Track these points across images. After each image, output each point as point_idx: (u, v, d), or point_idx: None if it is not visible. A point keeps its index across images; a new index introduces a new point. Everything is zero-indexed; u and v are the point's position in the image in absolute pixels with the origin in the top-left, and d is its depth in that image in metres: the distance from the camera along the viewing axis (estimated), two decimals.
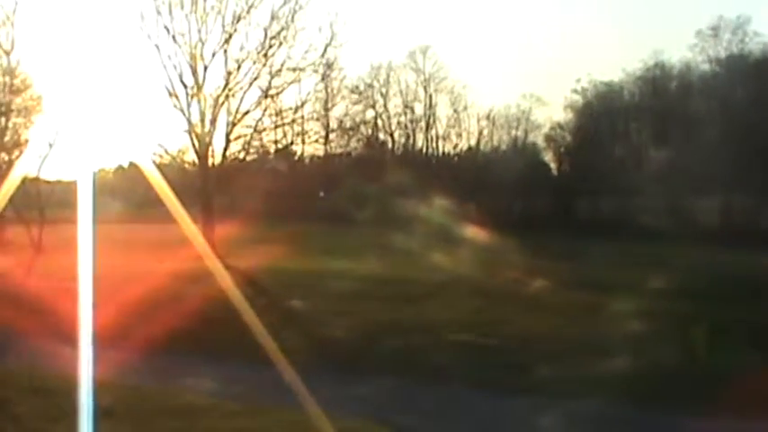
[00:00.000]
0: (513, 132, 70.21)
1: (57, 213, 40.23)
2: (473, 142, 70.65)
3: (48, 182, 40.79)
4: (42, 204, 36.76)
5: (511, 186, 59.03)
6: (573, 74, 76.18)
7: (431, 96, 68.92)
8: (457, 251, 33.49)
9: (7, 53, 36.27)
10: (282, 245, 33.32)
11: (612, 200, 56.74)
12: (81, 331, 14.69)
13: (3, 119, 36.79)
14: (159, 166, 38.80)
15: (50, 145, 36.68)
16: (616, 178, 53.26)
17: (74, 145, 38.37)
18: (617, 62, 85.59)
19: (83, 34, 34.94)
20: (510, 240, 33.95)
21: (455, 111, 68.99)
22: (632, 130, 64.95)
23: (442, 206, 44.70)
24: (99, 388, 11.60)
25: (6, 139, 37.58)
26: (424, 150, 70.05)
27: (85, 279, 19.95)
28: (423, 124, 69.42)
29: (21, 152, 38.63)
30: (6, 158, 38.38)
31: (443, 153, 70.95)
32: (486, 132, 70.05)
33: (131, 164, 46.16)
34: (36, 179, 37.91)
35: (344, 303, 19.45)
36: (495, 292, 22.06)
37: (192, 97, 37.54)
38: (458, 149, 71.11)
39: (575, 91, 64.98)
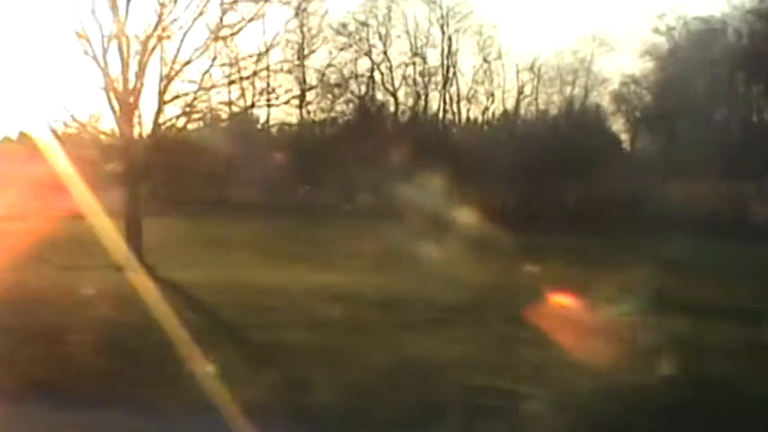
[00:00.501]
0: (568, 90, 70.25)
1: None
2: (510, 105, 70.64)
3: None
4: None
5: (563, 167, 58.63)
6: (653, 7, 76.17)
7: (450, 39, 68.88)
8: (484, 259, 33.22)
9: None
10: (238, 248, 32.90)
11: (716, 185, 56.01)
12: None
13: None
14: (62, 138, 38.43)
15: None
16: (719, 153, 52.69)
17: None
18: None
19: None
20: (558, 242, 33.66)
21: (484, 60, 69.13)
22: (739, 83, 64.49)
23: (461, 196, 44.41)
24: None
25: None
26: (440, 116, 69.84)
27: None
28: (439, 79, 69.35)
29: None
30: None
31: (467, 120, 70.82)
32: (528, 90, 70.06)
33: (21, 134, 45.74)
34: None
35: (325, 335, 19.05)
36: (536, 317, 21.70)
37: (109, 40, 36.83)
38: (488, 114, 71.00)
39: (656, 31, 64.79)
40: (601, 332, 19.26)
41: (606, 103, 70.50)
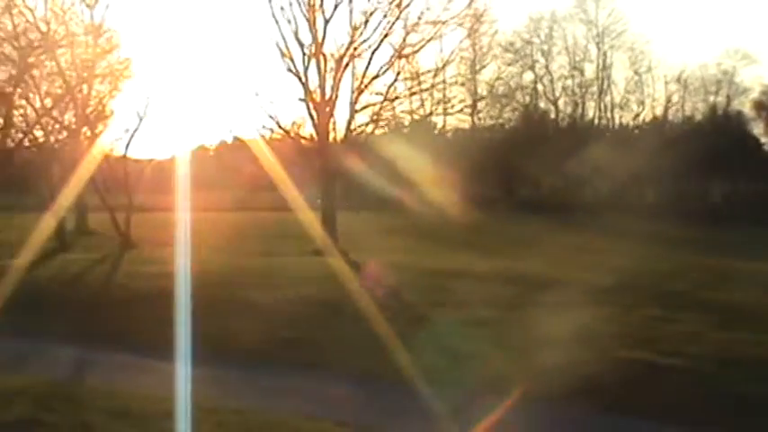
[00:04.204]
0: (712, 99, 68.78)
1: (147, 199, 41.45)
2: (658, 111, 69.46)
3: (137, 161, 41.60)
4: (130, 188, 37.34)
5: (707, 167, 57.39)
6: None
7: (605, 54, 68.27)
8: (634, 247, 32.86)
9: (90, 7, 37.39)
10: (420, 236, 33.19)
11: None
12: (177, 342, 14.96)
13: (84, 86, 37.61)
14: (270, 143, 39.31)
15: (140, 117, 37.43)
16: None
17: (168, 117, 39.40)
18: None
19: None
20: (699, 232, 33.00)
21: (635, 72, 68.22)
22: None
23: (615, 192, 43.86)
24: (198, 413, 11.71)
25: (89, 110, 38.39)
26: (596, 121, 69.10)
27: (182, 278, 20.52)
28: (594, 89, 68.75)
29: (105, 126, 39.51)
30: (89, 133, 39.29)
31: (620, 125, 69.88)
32: (675, 99, 68.88)
33: (236, 140, 46.80)
34: (123, 158, 38.70)
35: (492, 312, 19.12)
36: (683, 298, 21.34)
37: (309, 58, 37.65)
38: (639, 120, 69.95)
39: None
40: None
41: (747, 110, 68.75)
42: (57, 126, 39.92)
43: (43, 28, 36.30)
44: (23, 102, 38.62)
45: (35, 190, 41.12)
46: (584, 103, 69.24)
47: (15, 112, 38.50)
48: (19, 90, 37.03)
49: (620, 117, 69.79)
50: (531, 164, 52.45)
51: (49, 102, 38.56)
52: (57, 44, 36.42)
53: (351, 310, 18.79)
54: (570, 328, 16.41)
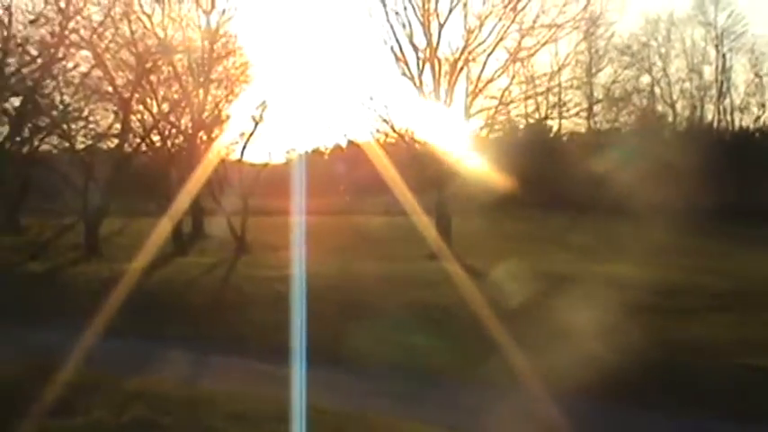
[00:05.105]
0: None
1: (263, 202, 41.80)
2: None
3: (252, 165, 41.97)
4: (246, 192, 37.68)
5: None
6: None
7: (724, 57, 66.70)
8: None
9: (206, 12, 37.83)
10: (533, 241, 32.85)
11: None
12: (292, 345, 14.95)
13: (201, 90, 38.07)
14: (384, 146, 39.33)
15: (256, 121, 37.79)
16: None
17: (284, 121, 39.69)
18: None
19: None
20: None
21: (756, 75, 66.50)
22: None
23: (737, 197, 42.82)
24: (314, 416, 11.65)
25: (205, 114, 38.83)
26: (715, 125, 67.64)
27: (298, 282, 20.57)
28: (713, 92, 67.36)
29: (221, 130, 39.93)
30: (204, 138, 39.82)
31: (740, 128, 68.26)
32: None
33: (350, 143, 46.99)
34: (239, 162, 39.15)
35: (610, 317, 18.80)
36: None
37: (424, 62, 37.65)
38: (759, 123, 68.26)
39: None
40: None
41: None
42: (173, 131, 40.56)
43: (160, 34, 36.99)
44: (141, 107, 39.27)
45: (152, 194, 41.76)
46: (702, 107, 67.79)
47: (133, 118, 39.18)
48: (136, 95, 37.66)
49: (741, 120, 68.19)
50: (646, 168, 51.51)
51: (165, 107, 39.21)
52: (174, 50, 37.01)
53: (466, 314, 18.63)
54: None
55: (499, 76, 39.34)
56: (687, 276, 25.41)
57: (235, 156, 39.93)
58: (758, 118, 67.46)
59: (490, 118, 42.07)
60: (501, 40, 37.97)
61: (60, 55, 36.01)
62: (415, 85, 37.65)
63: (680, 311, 19.81)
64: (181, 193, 34.57)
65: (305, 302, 17.57)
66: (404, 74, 37.62)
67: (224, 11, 37.59)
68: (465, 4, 37.56)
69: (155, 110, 39.21)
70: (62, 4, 34.43)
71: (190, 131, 39.17)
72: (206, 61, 37.62)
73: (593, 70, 61.36)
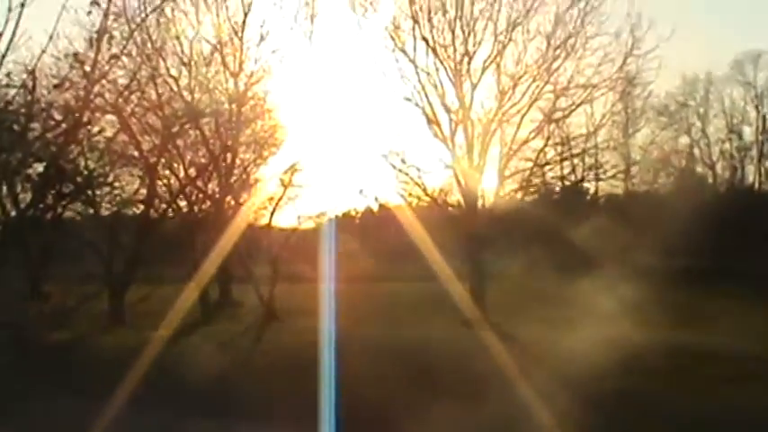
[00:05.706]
0: None
1: (292, 268, 41.31)
2: None
3: (281, 229, 41.62)
4: (274, 258, 37.20)
5: None
6: None
7: (764, 117, 66.13)
8: None
9: (234, 75, 37.54)
10: (574, 306, 32.01)
11: None
12: (321, 414, 14.50)
13: (229, 154, 37.77)
14: (416, 210, 38.82)
15: (285, 185, 37.42)
16: None
17: (313, 185, 39.23)
18: None
19: (323, 50, 35.81)
20: None
21: None
22: None
23: None
24: None
25: (233, 179, 38.52)
26: (756, 186, 66.93)
27: (327, 350, 20.02)
28: (754, 153, 66.80)
29: (249, 195, 39.61)
30: (232, 203, 39.45)
31: None
32: None
33: (381, 206, 46.49)
34: (267, 227, 38.73)
35: (651, 384, 18.28)
36: None
37: (456, 124, 37.16)
38: None
39: None
40: None
41: None
42: (200, 196, 40.18)
43: (187, 97, 36.68)
44: (167, 172, 39.04)
45: (179, 261, 41.34)
46: (743, 168, 67.25)
47: (159, 183, 38.91)
48: (162, 160, 37.43)
49: None
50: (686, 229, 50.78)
51: (192, 171, 38.87)
52: (201, 113, 36.73)
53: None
54: None
55: (534, 137, 38.97)
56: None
57: (263, 221, 39.62)
58: None
59: (525, 180, 41.50)
60: (535, 100, 37.37)
61: (85, 119, 35.59)
62: (447, 147, 37.19)
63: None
64: (208, 259, 34.09)
65: (334, 370, 17.20)
66: (436, 136, 37.18)
67: (252, 73, 37.21)
68: (498, 65, 37.01)
69: (181, 174, 38.91)
70: (87, 68, 34.08)
71: (217, 196, 38.76)
72: (234, 125, 37.27)
73: (630, 131, 60.68)
